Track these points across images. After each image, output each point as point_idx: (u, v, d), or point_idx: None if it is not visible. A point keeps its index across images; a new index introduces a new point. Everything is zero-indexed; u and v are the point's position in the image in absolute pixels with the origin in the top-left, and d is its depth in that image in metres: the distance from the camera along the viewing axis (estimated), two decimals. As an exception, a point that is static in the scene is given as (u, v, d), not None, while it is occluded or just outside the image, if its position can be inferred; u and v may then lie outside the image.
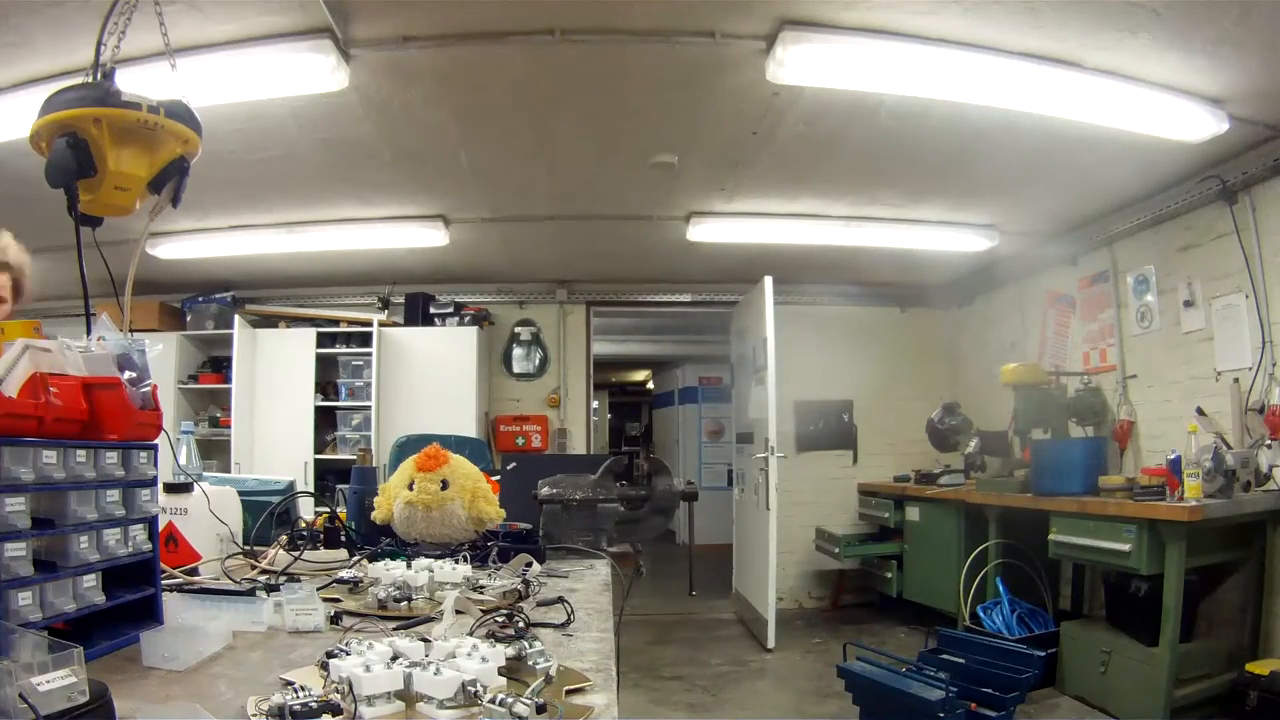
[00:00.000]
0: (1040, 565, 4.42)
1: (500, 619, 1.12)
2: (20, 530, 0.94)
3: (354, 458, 5.45)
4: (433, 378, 5.72)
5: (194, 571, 1.61)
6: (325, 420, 5.83)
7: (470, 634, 1.06)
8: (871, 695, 3.17)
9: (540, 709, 0.81)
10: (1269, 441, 3.48)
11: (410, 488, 1.75)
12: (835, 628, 5.54)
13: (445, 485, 1.74)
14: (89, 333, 1.24)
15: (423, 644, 0.97)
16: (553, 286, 6.42)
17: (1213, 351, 3.89)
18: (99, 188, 1.49)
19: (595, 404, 7.19)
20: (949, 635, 3.67)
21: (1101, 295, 4.73)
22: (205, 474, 2.12)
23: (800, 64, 2.83)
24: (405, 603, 1.36)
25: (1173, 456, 3.38)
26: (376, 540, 1.85)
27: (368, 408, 5.69)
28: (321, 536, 1.98)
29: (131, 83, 1.57)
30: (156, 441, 1.22)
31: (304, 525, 2.04)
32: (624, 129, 3.63)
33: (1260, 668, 3.11)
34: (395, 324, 5.94)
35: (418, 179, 4.20)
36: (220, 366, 5.94)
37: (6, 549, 0.92)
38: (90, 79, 1.56)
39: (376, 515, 1.80)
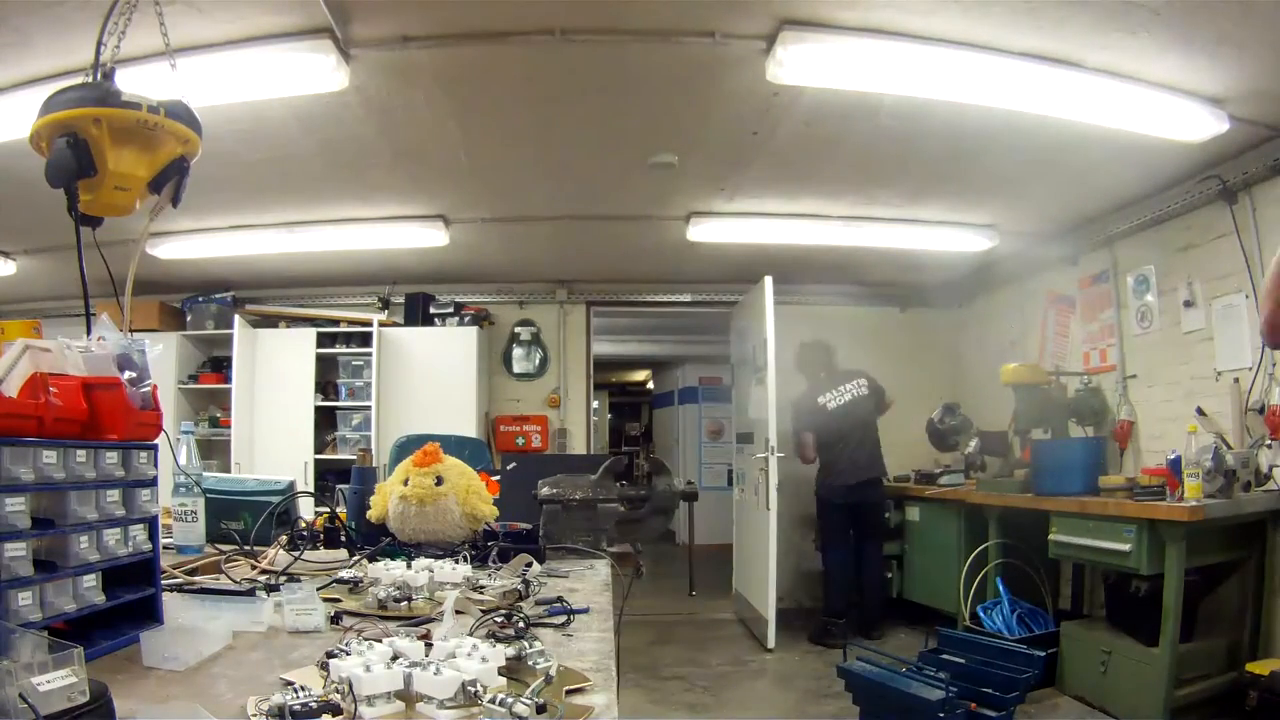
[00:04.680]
0: (1040, 565, 4.42)
1: (500, 619, 1.12)
2: (20, 530, 0.94)
3: (354, 458, 5.45)
4: (433, 378, 5.71)
5: (194, 571, 1.61)
6: (325, 420, 5.83)
7: (470, 634, 1.06)
8: (871, 695, 3.16)
9: (540, 709, 0.81)
10: (1269, 441, 3.47)
11: (405, 484, 1.75)
12: (835, 628, 5.52)
13: (440, 481, 1.74)
14: (89, 333, 1.24)
15: (423, 644, 0.97)
16: (553, 286, 6.41)
17: (1213, 351, 3.89)
18: (99, 188, 1.49)
19: (595, 404, 7.19)
20: (949, 635, 3.66)
21: (1101, 295, 4.73)
22: (205, 474, 2.12)
23: (800, 64, 2.83)
24: (405, 603, 1.36)
25: (1173, 456, 3.37)
26: (376, 540, 1.85)
27: (368, 408, 5.68)
28: (321, 536, 1.98)
29: (131, 83, 1.57)
30: (156, 441, 1.22)
31: (304, 525, 2.04)
32: (624, 129, 3.63)
33: (1260, 668, 3.10)
34: (395, 324, 5.94)
35: (418, 179, 4.20)
36: (220, 366, 5.94)
37: (6, 549, 0.92)
38: (90, 79, 1.56)
39: (372, 513, 1.80)
